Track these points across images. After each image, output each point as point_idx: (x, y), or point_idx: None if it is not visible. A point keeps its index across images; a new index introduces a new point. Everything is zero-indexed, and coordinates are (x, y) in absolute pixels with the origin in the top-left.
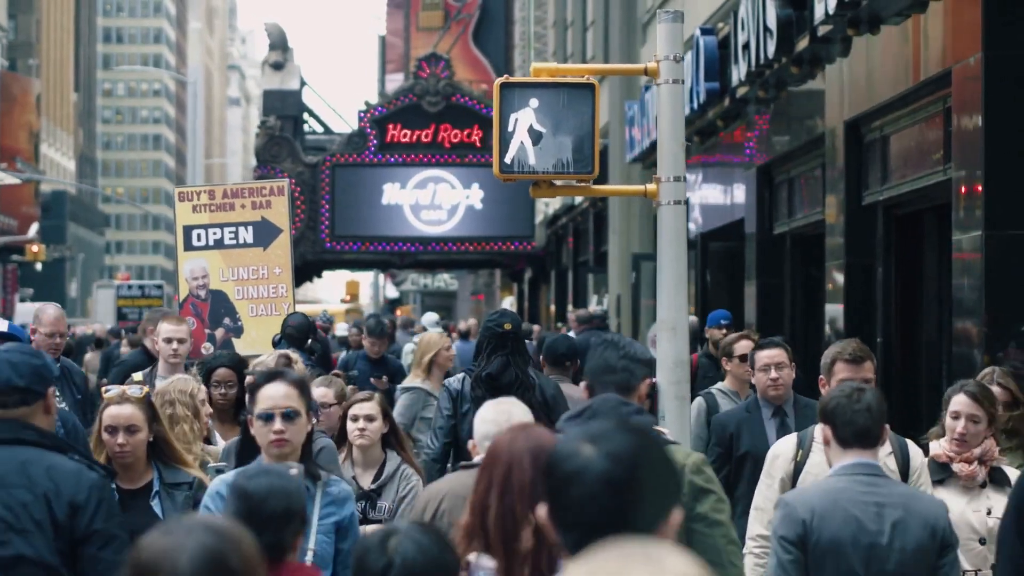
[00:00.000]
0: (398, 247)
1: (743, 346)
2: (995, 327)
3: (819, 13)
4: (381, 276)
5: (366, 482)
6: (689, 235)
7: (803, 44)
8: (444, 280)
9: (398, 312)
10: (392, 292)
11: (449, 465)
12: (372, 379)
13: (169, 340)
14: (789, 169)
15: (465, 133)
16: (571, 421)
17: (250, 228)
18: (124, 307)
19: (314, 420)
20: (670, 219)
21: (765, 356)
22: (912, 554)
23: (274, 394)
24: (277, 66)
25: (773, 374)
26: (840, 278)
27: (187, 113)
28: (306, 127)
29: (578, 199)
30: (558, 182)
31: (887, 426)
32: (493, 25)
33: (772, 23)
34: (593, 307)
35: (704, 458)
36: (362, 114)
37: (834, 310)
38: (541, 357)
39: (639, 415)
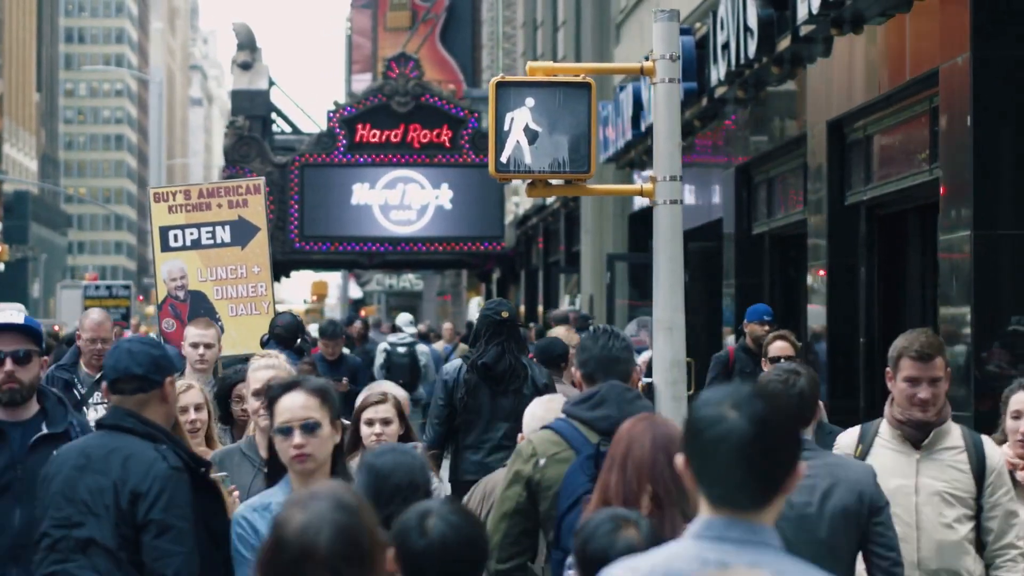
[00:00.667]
0: (367, 247)
1: (777, 347)
2: (983, 327)
3: (802, 13)
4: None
5: None
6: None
7: (784, 44)
8: (409, 280)
9: (363, 312)
10: (356, 292)
11: (446, 453)
12: (332, 381)
13: (196, 345)
14: (768, 169)
15: (434, 133)
16: (580, 405)
17: (227, 227)
18: (92, 307)
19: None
20: (666, 218)
21: (776, 349)
22: (842, 519)
23: (292, 405)
24: (245, 66)
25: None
26: (822, 278)
27: (149, 113)
28: (275, 127)
29: (550, 199)
30: (554, 181)
31: (820, 404)
32: (460, 26)
33: (753, 23)
34: (565, 307)
35: None
36: (331, 114)
37: (816, 310)
38: (533, 357)
39: (640, 400)
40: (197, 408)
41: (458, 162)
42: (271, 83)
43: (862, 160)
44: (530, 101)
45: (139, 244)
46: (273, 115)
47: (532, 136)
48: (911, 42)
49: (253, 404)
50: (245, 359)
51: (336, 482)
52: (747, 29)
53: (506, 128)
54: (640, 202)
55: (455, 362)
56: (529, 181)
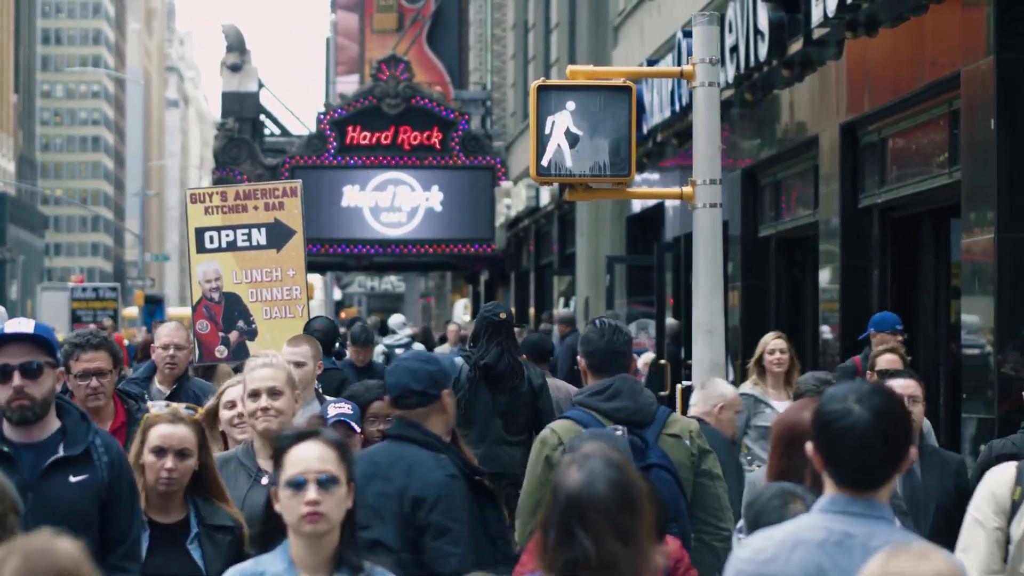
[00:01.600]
0: (358, 249)
1: (884, 360)
2: (1005, 329)
3: (816, 16)
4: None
5: None
6: (665, 239)
7: (796, 47)
8: (391, 282)
9: (343, 314)
10: (337, 294)
11: None
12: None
13: (167, 347)
14: (776, 172)
15: (425, 135)
16: (595, 396)
17: (263, 230)
18: (79, 309)
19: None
20: (706, 222)
21: (897, 387)
22: None
23: (307, 456)
24: (235, 68)
25: None
26: (835, 281)
27: (126, 115)
28: (264, 129)
29: (543, 201)
30: (594, 185)
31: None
32: (447, 28)
33: (764, 26)
34: (560, 309)
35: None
36: (321, 116)
37: (828, 313)
38: (524, 354)
39: (646, 392)
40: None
41: (448, 164)
42: (260, 85)
43: (876, 163)
44: (571, 105)
45: (116, 246)
46: (262, 117)
47: (573, 140)
48: (929, 45)
49: (250, 406)
50: None
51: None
52: (757, 32)
53: (547, 132)
54: (638, 205)
55: (456, 360)
56: (569, 185)
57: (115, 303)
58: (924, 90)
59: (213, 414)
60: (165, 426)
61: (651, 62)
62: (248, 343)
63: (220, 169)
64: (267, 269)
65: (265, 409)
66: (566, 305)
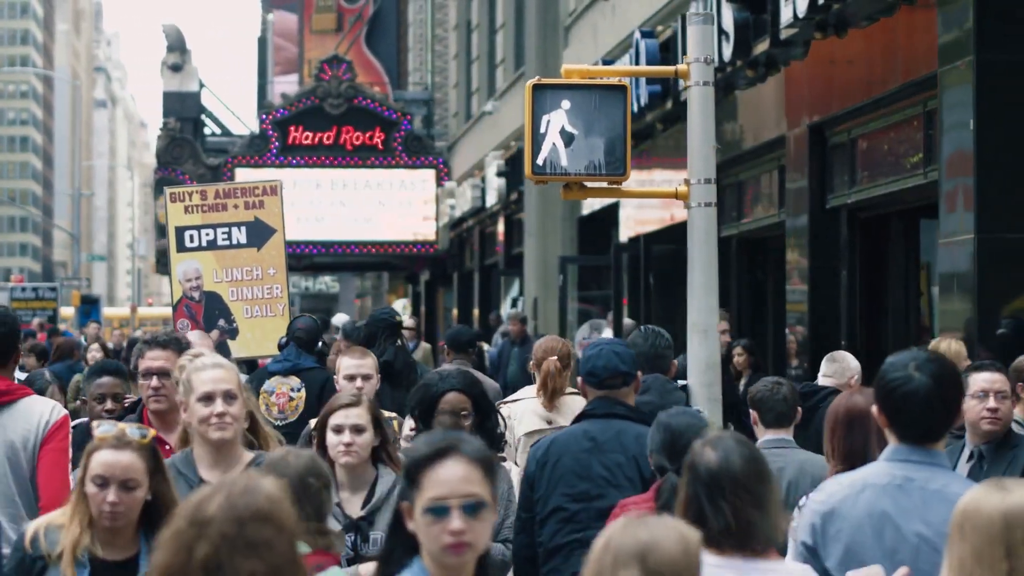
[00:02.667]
0: (300, 249)
1: (982, 380)
2: (985, 330)
3: (786, 16)
4: None
5: (355, 508)
6: (619, 239)
7: (762, 47)
8: (325, 283)
9: None
10: None
11: None
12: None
13: (352, 378)
14: (738, 172)
15: (367, 135)
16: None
17: (243, 228)
18: (19, 309)
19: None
20: (700, 221)
21: (982, 380)
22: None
23: (451, 477)
24: (175, 68)
25: (991, 403)
26: (802, 281)
27: (54, 115)
28: (205, 129)
29: (490, 201)
30: (589, 184)
31: (799, 409)
32: (386, 28)
33: (729, 26)
34: (508, 309)
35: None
36: (263, 116)
37: (796, 314)
38: (445, 345)
39: (677, 391)
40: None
41: (391, 164)
42: (201, 85)
43: (846, 163)
44: (566, 104)
45: (44, 246)
46: (203, 117)
47: (568, 138)
48: (902, 46)
49: (200, 411)
50: (253, 361)
51: (728, 432)
52: (722, 32)
53: (542, 130)
54: (590, 205)
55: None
56: (564, 184)
57: (54, 303)
58: (898, 91)
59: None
60: (108, 452)
61: (606, 62)
62: (229, 342)
63: (162, 169)
64: (248, 268)
65: (221, 415)
66: (513, 305)
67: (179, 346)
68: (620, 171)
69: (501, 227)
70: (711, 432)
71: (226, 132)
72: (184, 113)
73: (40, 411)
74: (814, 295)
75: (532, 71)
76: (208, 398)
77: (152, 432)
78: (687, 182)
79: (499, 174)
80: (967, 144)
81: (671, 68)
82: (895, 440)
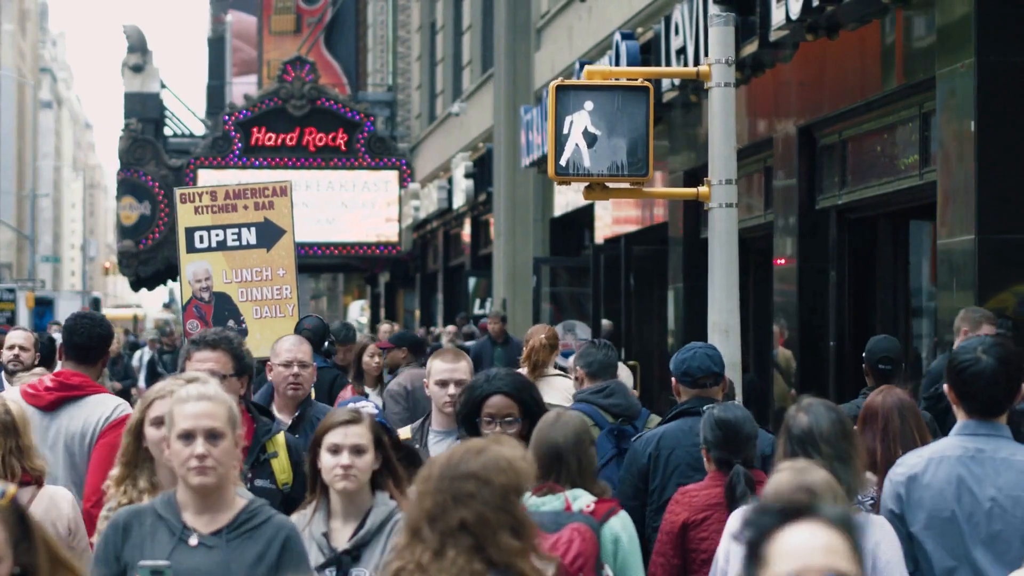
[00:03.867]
0: None
1: None
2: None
3: (778, 18)
4: None
5: (342, 540)
6: (593, 241)
7: (749, 49)
8: None
9: None
10: None
11: None
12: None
13: (444, 383)
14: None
15: (330, 137)
16: (596, 395)
17: (253, 229)
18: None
19: None
20: (721, 222)
21: None
22: None
23: (806, 548)
24: (137, 68)
25: None
26: (791, 282)
27: (0, 115)
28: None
29: (457, 203)
30: (611, 184)
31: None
32: (345, 30)
33: None
34: (476, 310)
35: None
36: (226, 117)
37: (786, 314)
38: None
39: (632, 394)
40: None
41: (354, 165)
42: (163, 86)
43: (836, 164)
44: (589, 105)
45: None
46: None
47: (591, 139)
48: (902, 47)
49: (180, 451)
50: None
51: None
52: (708, 33)
53: (565, 131)
54: (562, 206)
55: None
56: (586, 184)
57: (12, 304)
58: (893, 92)
59: (138, 431)
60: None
61: (583, 64)
62: None
63: (124, 170)
64: (257, 268)
65: (201, 457)
66: (482, 306)
67: (232, 348)
68: (643, 172)
69: (467, 228)
70: (804, 398)
71: (187, 133)
72: (145, 114)
73: (104, 407)
74: (803, 295)
75: (502, 73)
76: (188, 436)
77: (12, 490)
78: (707, 182)
79: (467, 175)
80: (968, 146)
81: (693, 70)
82: (963, 415)
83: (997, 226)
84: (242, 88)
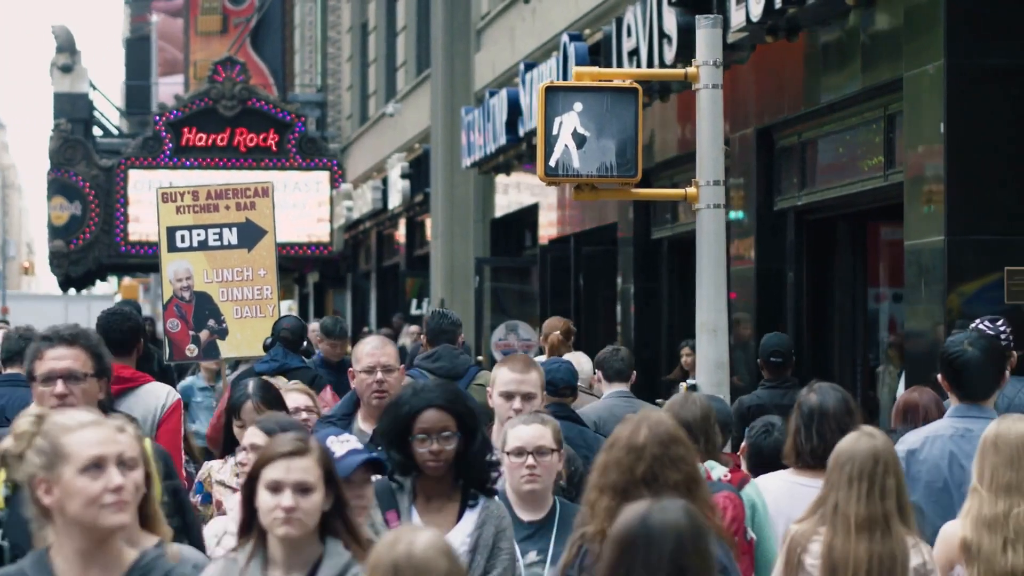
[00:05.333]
0: None
1: None
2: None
3: (737, 20)
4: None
5: None
6: (535, 241)
7: None
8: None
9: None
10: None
11: None
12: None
13: (510, 396)
14: (672, 175)
15: (261, 137)
16: (426, 360)
17: (234, 229)
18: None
19: None
20: (709, 223)
21: None
22: None
23: None
24: (66, 69)
25: None
26: (749, 284)
27: None
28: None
29: (393, 203)
30: (600, 185)
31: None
32: (271, 30)
33: (671, 29)
34: (414, 310)
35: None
36: (157, 117)
37: (741, 316)
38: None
39: (464, 354)
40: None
41: (285, 165)
42: (92, 87)
43: (795, 166)
44: (578, 106)
45: None
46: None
47: (580, 140)
48: (864, 48)
49: (89, 488)
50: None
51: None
52: (663, 35)
53: (555, 132)
54: (503, 207)
55: None
56: (575, 185)
57: None
58: (857, 94)
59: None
60: None
61: (528, 65)
62: (219, 342)
63: (55, 170)
64: (238, 269)
65: (119, 489)
66: (419, 307)
67: (89, 341)
68: (632, 172)
69: (402, 229)
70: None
71: (108, 133)
72: (75, 114)
73: (157, 395)
74: (761, 297)
75: (439, 74)
76: (97, 466)
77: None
78: (695, 183)
79: (403, 176)
80: (936, 147)
81: (681, 71)
82: (955, 400)
83: (965, 227)
84: (167, 89)
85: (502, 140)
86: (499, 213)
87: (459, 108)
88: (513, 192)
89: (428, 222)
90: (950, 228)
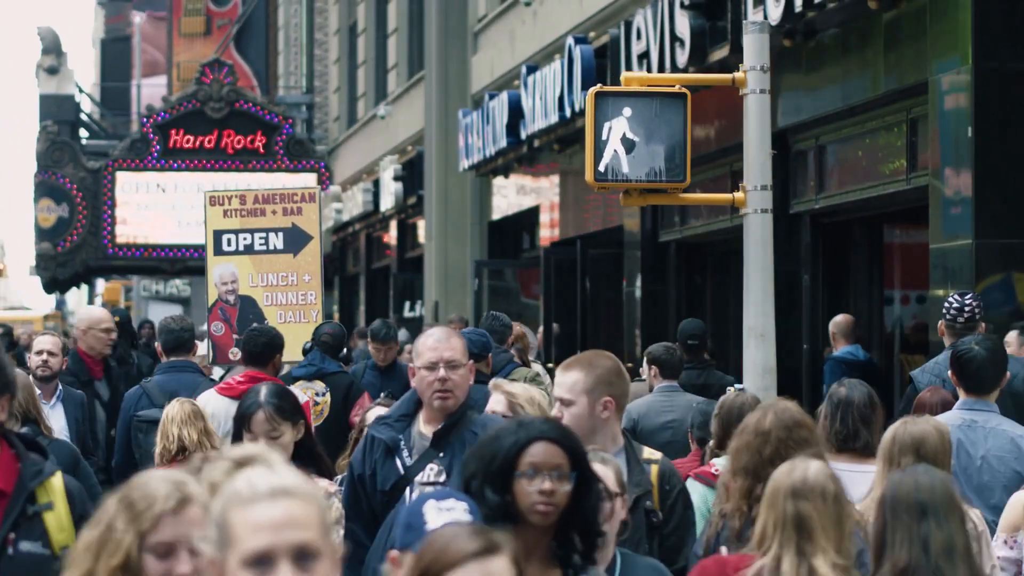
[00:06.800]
0: (180, 253)
1: None
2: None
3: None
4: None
5: None
6: (534, 244)
7: (719, 55)
8: (176, 286)
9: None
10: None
11: None
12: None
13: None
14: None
15: (248, 139)
16: None
17: (280, 234)
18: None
19: None
20: (756, 227)
21: None
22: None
23: None
24: (52, 70)
25: None
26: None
27: None
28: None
29: (385, 205)
30: (649, 190)
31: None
32: (255, 32)
33: (684, 32)
34: (406, 312)
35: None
36: (144, 119)
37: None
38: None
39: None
40: None
41: (272, 167)
42: (80, 89)
43: (813, 169)
44: (627, 111)
45: None
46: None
47: (629, 146)
48: (887, 52)
49: None
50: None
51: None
52: (675, 39)
53: (604, 137)
54: (500, 210)
55: None
56: (624, 190)
57: None
58: (879, 97)
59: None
60: None
61: (530, 68)
62: None
63: (42, 172)
64: (283, 273)
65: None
66: (411, 309)
67: None
68: (680, 177)
69: (393, 231)
70: (844, 379)
71: (97, 135)
72: (61, 116)
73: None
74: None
75: (433, 76)
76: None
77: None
78: (743, 188)
79: (396, 178)
80: (964, 151)
81: (729, 77)
82: (963, 394)
83: (993, 230)
84: (149, 91)
85: (502, 143)
86: (496, 216)
87: (454, 111)
88: (511, 194)
89: (421, 224)
90: (978, 231)
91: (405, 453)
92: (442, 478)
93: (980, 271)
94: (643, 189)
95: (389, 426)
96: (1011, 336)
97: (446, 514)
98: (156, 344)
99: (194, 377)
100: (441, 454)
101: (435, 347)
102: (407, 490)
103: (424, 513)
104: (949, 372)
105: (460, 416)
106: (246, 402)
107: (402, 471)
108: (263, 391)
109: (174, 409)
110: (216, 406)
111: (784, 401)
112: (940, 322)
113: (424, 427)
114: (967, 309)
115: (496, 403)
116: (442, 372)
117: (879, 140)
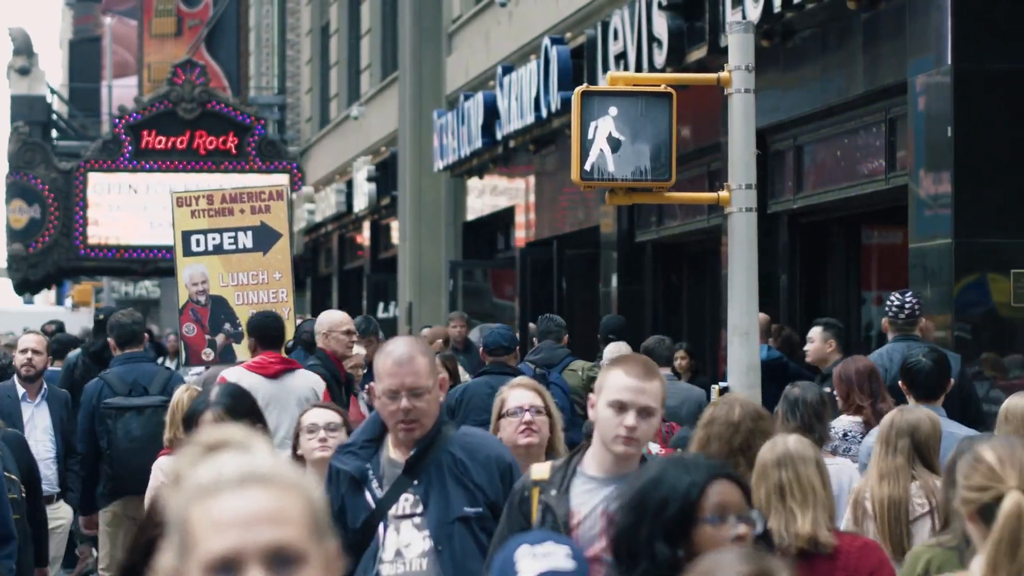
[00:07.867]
0: (152, 254)
1: None
2: (965, 332)
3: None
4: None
5: None
6: (509, 245)
7: (697, 55)
8: (146, 288)
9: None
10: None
11: None
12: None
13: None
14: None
15: (221, 140)
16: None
17: (249, 233)
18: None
19: None
20: (741, 226)
21: None
22: None
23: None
24: (23, 71)
25: None
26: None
27: None
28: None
29: (359, 206)
30: (634, 189)
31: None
32: (226, 33)
33: (662, 33)
34: (381, 314)
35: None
36: (116, 120)
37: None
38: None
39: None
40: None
41: (244, 168)
42: (52, 91)
43: (791, 169)
44: (613, 110)
45: None
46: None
47: (615, 145)
48: (865, 53)
49: None
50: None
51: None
52: (653, 39)
53: (590, 136)
54: (475, 211)
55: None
56: (609, 189)
57: None
58: (857, 97)
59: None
60: None
61: (506, 68)
62: (234, 345)
63: (14, 173)
64: (253, 272)
65: None
66: (385, 310)
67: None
68: (666, 176)
69: (367, 232)
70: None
71: (68, 135)
72: (33, 117)
73: (314, 378)
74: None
75: (407, 77)
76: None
77: None
78: (728, 187)
79: (369, 179)
80: (944, 151)
81: (713, 76)
82: (913, 400)
83: (973, 230)
84: (120, 91)
85: (478, 143)
86: (471, 216)
87: (428, 111)
88: (486, 195)
89: (394, 225)
90: (957, 230)
91: (375, 484)
92: (419, 509)
93: (959, 271)
94: (628, 188)
95: (354, 455)
96: (814, 332)
97: (543, 560)
98: (109, 339)
99: (151, 367)
100: (416, 482)
101: (395, 372)
102: (380, 526)
103: (516, 562)
104: (900, 382)
105: (433, 438)
106: (197, 400)
107: (373, 505)
108: (215, 390)
109: (183, 396)
110: (251, 383)
111: (744, 395)
112: (884, 319)
113: (394, 452)
114: (907, 306)
115: (522, 397)
116: (404, 403)
117: (857, 140)
